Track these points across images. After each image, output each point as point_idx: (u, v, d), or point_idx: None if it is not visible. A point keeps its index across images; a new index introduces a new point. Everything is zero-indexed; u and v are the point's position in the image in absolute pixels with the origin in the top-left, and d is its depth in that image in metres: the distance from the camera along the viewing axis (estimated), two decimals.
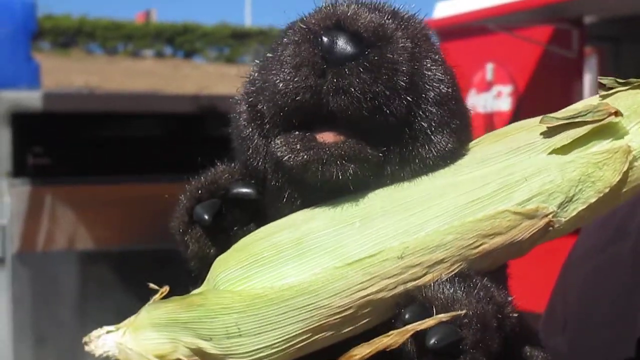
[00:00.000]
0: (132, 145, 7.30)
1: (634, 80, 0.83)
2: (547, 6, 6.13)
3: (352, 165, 0.79)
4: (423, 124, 0.81)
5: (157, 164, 6.96)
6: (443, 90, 0.83)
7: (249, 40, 32.79)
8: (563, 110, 0.83)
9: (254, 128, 0.85)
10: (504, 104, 6.97)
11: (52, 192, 6.72)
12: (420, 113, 0.81)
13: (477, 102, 7.13)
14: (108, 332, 0.85)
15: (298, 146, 0.79)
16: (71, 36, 30.52)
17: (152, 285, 0.87)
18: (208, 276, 0.84)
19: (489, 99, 7.05)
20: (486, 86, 7.08)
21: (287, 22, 0.86)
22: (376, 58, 0.78)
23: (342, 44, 0.78)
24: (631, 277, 1.16)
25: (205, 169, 0.93)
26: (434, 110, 0.82)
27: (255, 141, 0.85)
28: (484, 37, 6.91)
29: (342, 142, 0.79)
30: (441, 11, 7.34)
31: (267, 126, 0.83)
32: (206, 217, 0.86)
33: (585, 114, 0.80)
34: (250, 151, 0.86)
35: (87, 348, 0.85)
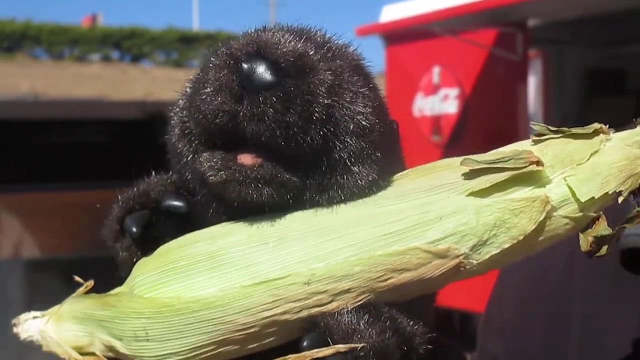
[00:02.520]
0: (79, 152, 7.23)
1: (566, 129, 0.83)
2: (492, 10, 6.20)
3: (267, 188, 0.80)
4: (342, 154, 0.82)
5: (104, 171, 6.90)
6: (363, 123, 0.82)
7: (197, 44, 32.67)
8: (490, 152, 0.82)
9: (184, 143, 0.86)
10: (451, 107, 7.03)
11: None
12: (339, 144, 0.81)
13: (424, 105, 7.19)
14: (34, 317, 0.88)
15: (218, 165, 0.81)
16: (16, 41, 30.12)
17: (77, 279, 0.90)
18: (129, 277, 0.86)
19: (436, 102, 7.11)
20: (433, 89, 7.14)
21: (242, 24, 0.87)
22: (292, 88, 0.78)
23: (260, 72, 0.78)
24: (565, 283, 1.18)
25: (147, 176, 0.94)
26: (353, 142, 0.82)
27: (185, 155, 0.86)
28: (430, 40, 6.97)
29: (259, 165, 0.80)
30: (388, 15, 7.39)
31: (195, 142, 0.85)
32: (134, 229, 0.87)
33: (508, 160, 0.80)
34: (181, 164, 0.87)
35: (14, 329, 0.88)
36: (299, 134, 0.79)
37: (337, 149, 0.82)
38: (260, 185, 0.80)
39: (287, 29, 0.84)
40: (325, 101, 0.80)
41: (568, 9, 6.48)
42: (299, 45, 0.81)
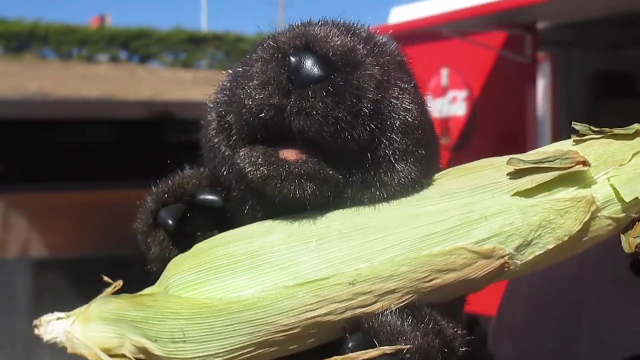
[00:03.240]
0: (86, 152, 7.24)
1: (607, 130, 0.83)
2: (501, 12, 6.18)
3: (310, 185, 0.79)
4: (387, 151, 0.81)
5: (111, 171, 6.91)
6: (409, 120, 0.82)
7: (205, 45, 32.73)
8: (533, 152, 0.82)
9: (221, 138, 0.85)
10: (459, 109, 7.02)
11: (5, 199, 6.64)
12: (385, 141, 0.81)
13: (433, 107, 7.16)
14: (59, 319, 0.86)
15: (260, 160, 0.79)
16: (24, 41, 30.20)
17: (105, 279, 0.87)
18: (162, 277, 0.84)
19: (445, 104, 7.10)
20: (441, 91, 7.13)
21: (262, 35, 0.86)
22: (341, 83, 0.78)
23: (309, 66, 0.77)
24: (577, 287, 1.17)
25: (162, 175, 0.92)
26: (399, 139, 0.81)
27: (222, 151, 0.85)
28: (439, 42, 6.96)
29: (303, 161, 0.79)
30: (396, 17, 7.38)
31: (234, 138, 0.83)
32: (170, 222, 0.86)
33: (554, 160, 0.80)
34: (217, 160, 0.86)
35: (36, 331, 0.86)
36: (347, 130, 0.78)
37: (383, 146, 0.81)
38: (303, 181, 0.79)
39: (333, 23, 0.83)
40: (375, 97, 0.79)
41: (577, 12, 6.46)
42: (347, 40, 0.80)
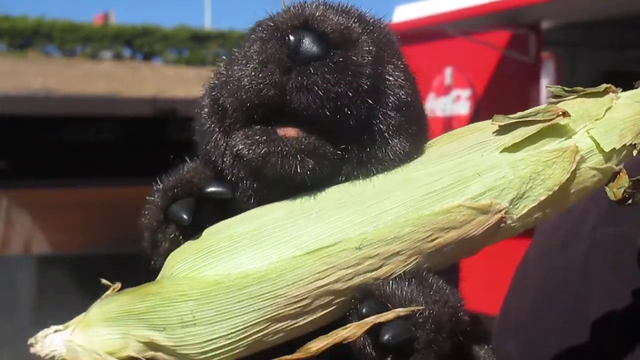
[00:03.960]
0: (89, 149, 7.25)
1: (579, 89, 0.86)
2: (505, 11, 6.19)
3: (310, 161, 0.80)
4: (381, 126, 0.82)
5: (114, 168, 6.92)
6: (402, 96, 0.84)
7: (209, 43, 32.72)
8: (514, 114, 0.85)
9: (214, 122, 0.85)
10: (463, 108, 7.02)
11: (8, 196, 6.64)
12: (380, 116, 0.82)
13: (436, 106, 7.18)
14: (56, 331, 0.83)
15: (258, 138, 0.80)
16: (28, 38, 30.22)
17: (104, 281, 0.86)
18: (163, 269, 0.84)
19: (448, 103, 7.11)
20: (445, 90, 7.13)
21: (254, 21, 0.87)
22: (341, 59, 0.79)
23: (309, 44, 0.79)
24: (581, 285, 1.17)
25: (165, 172, 0.92)
26: (393, 115, 0.83)
27: (215, 135, 0.85)
28: (442, 41, 6.96)
29: (303, 137, 0.80)
30: (400, 15, 7.38)
31: (229, 121, 0.84)
32: (185, 216, 0.85)
33: (535, 114, 0.83)
34: (210, 145, 0.86)
35: (32, 350, 0.83)
36: (347, 105, 0.79)
37: (378, 121, 0.82)
38: (303, 156, 0.80)
39: (326, 3, 0.84)
40: (372, 73, 0.81)
41: (581, 11, 6.46)
42: (342, 19, 0.82)
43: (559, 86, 0.87)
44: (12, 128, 6.81)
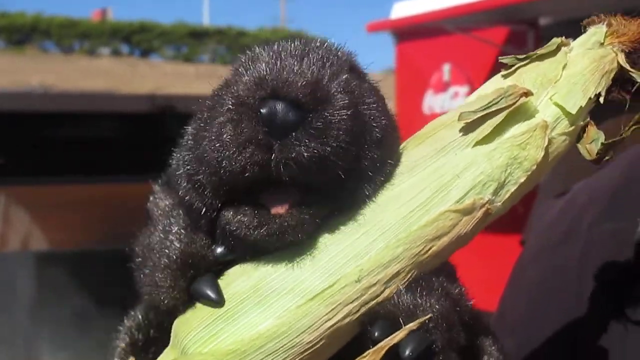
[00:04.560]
0: (88, 145, 7.24)
1: (531, 53, 0.86)
2: (503, 8, 6.18)
3: (307, 227, 0.79)
4: (366, 163, 0.81)
5: (113, 165, 6.91)
6: (382, 124, 0.82)
7: (207, 39, 32.70)
8: (473, 97, 0.86)
9: (194, 196, 0.83)
10: None
11: (7, 193, 6.64)
12: (365, 155, 0.81)
13: (434, 102, 7.17)
14: None
15: (254, 223, 0.79)
16: (26, 34, 30.19)
17: None
18: (172, 341, 0.82)
19: (446, 99, 7.10)
20: (443, 87, 7.12)
21: (214, 90, 0.83)
22: (320, 124, 0.77)
23: (283, 115, 0.76)
24: (577, 284, 1.17)
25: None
26: (375, 149, 0.81)
27: (196, 207, 0.83)
28: (440, 38, 6.96)
29: (295, 210, 0.79)
30: (398, 12, 7.38)
31: (209, 195, 0.81)
32: (213, 296, 0.81)
33: (499, 101, 0.83)
34: (194, 215, 0.84)
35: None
36: (334, 163, 0.78)
37: (364, 160, 0.81)
38: (299, 229, 0.79)
39: (282, 49, 0.81)
40: (352, 123, 0.79)
41: (580, 8, 6.45)
42: (307, 73, 0.78)
43: (512, 56, 0.87)
44: (10, 124, 6.80)
